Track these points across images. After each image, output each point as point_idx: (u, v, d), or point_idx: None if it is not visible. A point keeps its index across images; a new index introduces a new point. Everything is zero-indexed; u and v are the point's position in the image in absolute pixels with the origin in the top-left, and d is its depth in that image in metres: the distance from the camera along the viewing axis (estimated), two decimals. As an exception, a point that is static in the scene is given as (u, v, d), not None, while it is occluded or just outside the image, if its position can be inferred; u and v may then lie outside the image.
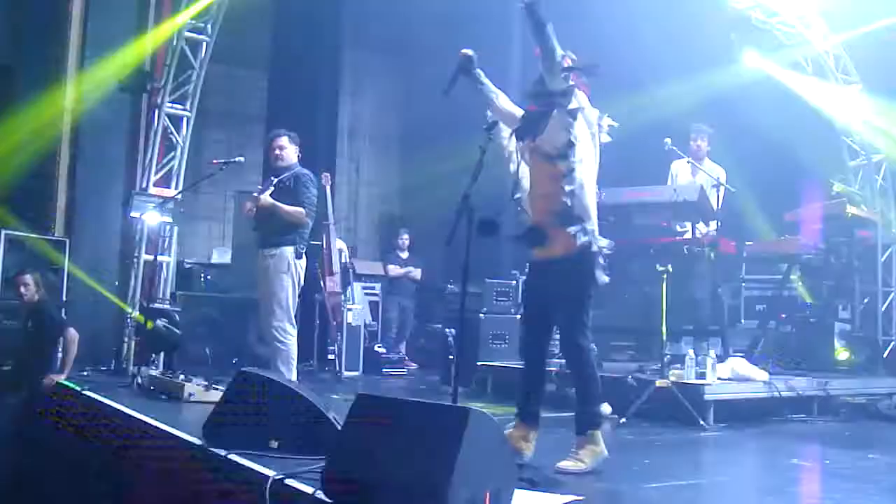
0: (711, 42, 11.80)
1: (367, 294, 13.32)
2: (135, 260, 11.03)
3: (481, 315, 10.21)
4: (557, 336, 5.73)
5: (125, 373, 10.03)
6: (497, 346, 10.17)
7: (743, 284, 11.64)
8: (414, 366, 13.10)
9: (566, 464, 5.37)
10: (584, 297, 5.49)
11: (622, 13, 11.77)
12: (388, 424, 4.11)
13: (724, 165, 9.52)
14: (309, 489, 4.26)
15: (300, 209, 8.08)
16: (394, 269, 13.73)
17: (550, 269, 5.51)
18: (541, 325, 5.68)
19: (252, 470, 4.83)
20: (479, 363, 9.70)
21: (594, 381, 5.51)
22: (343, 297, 11.62)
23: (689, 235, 9.04)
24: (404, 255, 13.88)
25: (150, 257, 10.87)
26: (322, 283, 11.30)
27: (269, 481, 4.49)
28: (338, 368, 11.29)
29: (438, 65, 6.45)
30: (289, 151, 8.33)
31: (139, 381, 8.75)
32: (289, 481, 4.44)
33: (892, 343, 11.40)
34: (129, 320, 10.76)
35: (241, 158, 9.27)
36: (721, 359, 8.20)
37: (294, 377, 8.05)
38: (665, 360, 7.86)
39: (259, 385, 5.58)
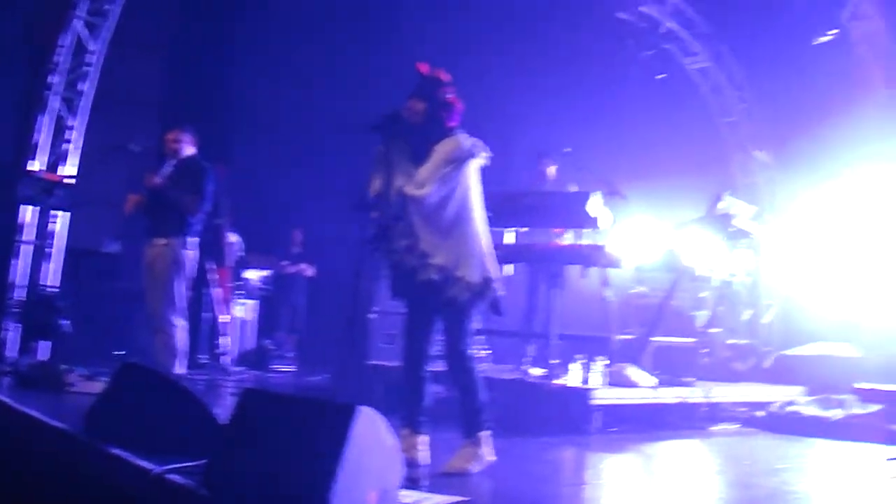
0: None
1: (258, 289, 13.18)
2: (20, 246, 10.70)
3: (373, 315, 10.16)
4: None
5: (4, 362, 9.73)
6: (389, 346, 10.13)
7: (633, 292, 11.78)
8: (303, 363, 13.00)
9: (453, 465, 5.40)
10: (468, 309, 5.51)
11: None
12: (273, 421, 4.06)
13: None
14: (190, 484, 4.18)
15: (194, 199, 7.95)
16: (286, 266, 13.60)
17: (428, 285, 5.49)
18: (423, 329, 5.68)
19: (132, 464, 4.72)
20: (369, 363, 9.65)
21: (479, 386, 5.55)
22: (234, 291, 11.46)
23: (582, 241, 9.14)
24: (297, 251, 13.77)
25: (37, 244, 10.57)
26: (213, 276, 11.14)
27: (150, 476, 4.40)
28: (226, 363, 11.14)
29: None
30: (185, 143, 8.19)
31: (19, 370, 8.50)
32: (170, 476, 4.35)
33: (775, 353, 11.70)
34: (10, 309, 10.44)
35: (136, 146, 9.09)
36: (610, 364, 8.28)
37: (181, 370, 7.92)
38: (553, 364, 7.94)
39: (142, 377, 5.47)
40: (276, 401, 4.32)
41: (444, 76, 5.61)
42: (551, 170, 10.14)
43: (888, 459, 6.31)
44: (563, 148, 8.95)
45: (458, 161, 5.46)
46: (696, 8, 12.44)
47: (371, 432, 4.00)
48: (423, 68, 5.61)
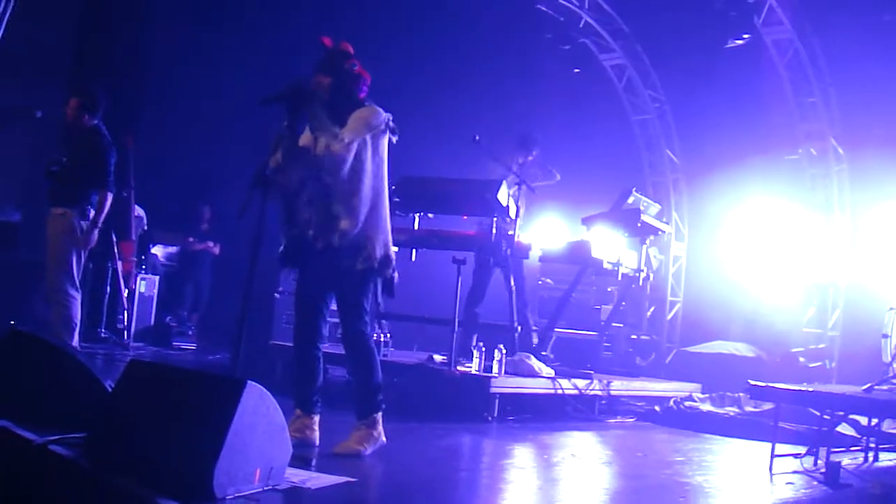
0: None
1: (162, 265, 12.97)
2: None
3: (277, 294, 10.07)
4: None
5: None
6: (291, 326, 10.03)
7: (539, 283, 11.87)
8: (205, 341, 12.82)
9: (345, 446, 5.37)
10: (365, 282, 5.47)
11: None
12: (159, 393, 3.98)
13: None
14: (71, 456, 4.08)
15: (97, 172, 7.75)
16: (192, 243, 13.41)
17: (328, 253, 5.45)
18: (316, 306, 5.62)
19: (16, 434, 4.59)
20: (271, 343, 9.56)
21: (375, 367, 5.52)
22: (137, 265, 11.26)
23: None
24: (204, 227, 13.57)
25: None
26: (116, 249, 10.91)
27: (31, 446, 4.28)
28: (126, 338, 10.93)
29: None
30: (85, 112, 7.95)
31: None
32: (52, 447, 4.24)
33: (675, 349, 11.89)
34: None
35: (39, 112, 8.85)
36: (510, 354, 8.32)
37: (75, 342, 7.74)
38: (455, 351, 7.95)
39: (29, 345, 5.32)
40: (163, 373, 4.24)
41: (349, 48, 5.53)
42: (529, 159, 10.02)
43: (773, 456, 6.43)
44: (474, 136, 8.91)
45: (376, 127, 5.39)
46: (613, 5, 12.53)
47: (259, 409, 3.95)
48: (328, 41, 5.53)
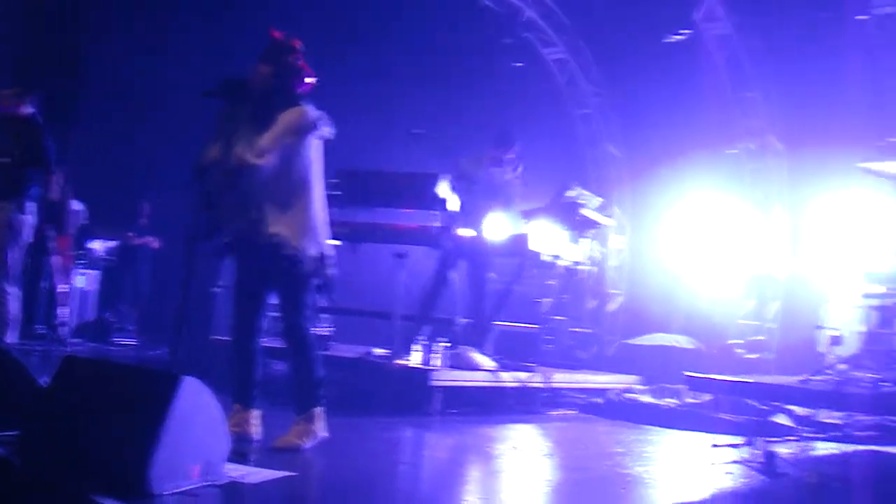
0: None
1: (102, 259, 12.80)
2: None
3: (217, 289, 9.96)
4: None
5: None
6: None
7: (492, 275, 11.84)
8: (145, 337, 12.69)
9: (285, 440, 5.34)
10: (303, 280, 5.45)
11: None
12: (94, 389, 3.93)
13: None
14: (4, 453, 4.01)
15: (38, 162, 7.64)
16: (132, 237, 13.26)
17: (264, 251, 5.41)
18: (255, 300, 5.59)
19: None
20: (211, 338, 9.47)
21: (315, 361, 5.49)
22: (75, 260, 11.11)
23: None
24: (144, 222, 13.43)
25: None
26: (53, 243, 10.75)
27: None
28: (64, 334, 10.78)
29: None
30: (22, 101, 7.83)
31: None
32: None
33: (617, 342, 11.97)
34: None
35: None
36: (452, 347, 8.32)
37: (12, 339, 7.63)
38: (397, 345, 7.94)
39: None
40: (98, 369, 4.20)
41: (296, 43, 5.52)
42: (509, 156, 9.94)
43: (713, 446, 6.50)
44: (414, 130, 8.90)
45: (302, 131, 5.37)
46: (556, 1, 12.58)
47: (196, 404, 3.92)
48: (276, 34, 5.51)
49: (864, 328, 7.76)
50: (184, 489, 3.84)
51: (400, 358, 8.05)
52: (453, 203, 8.83)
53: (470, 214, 9.09)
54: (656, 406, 9.01)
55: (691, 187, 12.15)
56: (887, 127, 10.19)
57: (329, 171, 5.70)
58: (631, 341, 11.53)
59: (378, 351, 8.47)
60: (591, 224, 10.20)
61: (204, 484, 3.98)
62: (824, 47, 10.27)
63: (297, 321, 5.44)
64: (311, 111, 5.43)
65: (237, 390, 5.51)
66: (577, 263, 10.21)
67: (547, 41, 12.94)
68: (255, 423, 5.49)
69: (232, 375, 5.58)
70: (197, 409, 3.91)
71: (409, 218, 9.29)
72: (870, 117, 10.14)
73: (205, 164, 5.20)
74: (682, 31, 11.15)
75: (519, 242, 9.24)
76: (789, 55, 10.93)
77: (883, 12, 10.20)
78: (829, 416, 7.78)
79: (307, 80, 5.50)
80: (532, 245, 9.24)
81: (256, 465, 4.67)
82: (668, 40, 10.98)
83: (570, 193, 9.95)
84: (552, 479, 5.81)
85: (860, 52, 10.11)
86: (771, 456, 6.13)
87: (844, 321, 8.42)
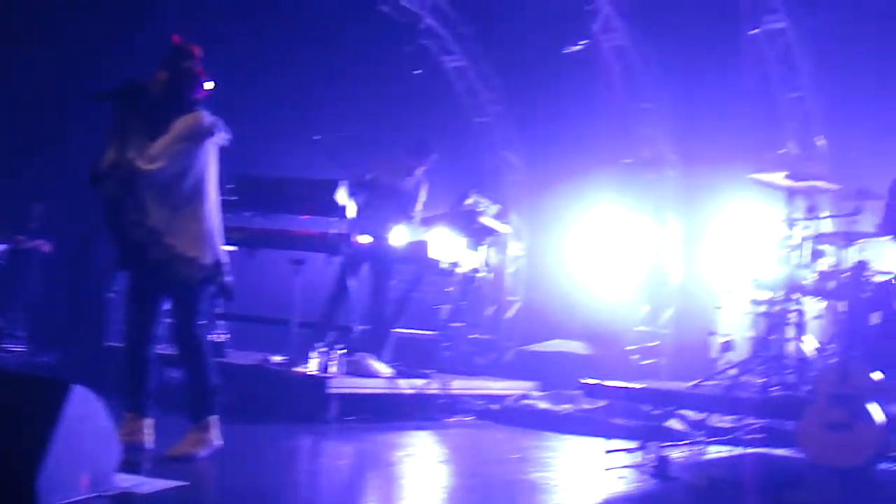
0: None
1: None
2: None
3: (111, 295, 9.77)
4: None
5: None
6: (125, 327, 9.75)
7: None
8: (35, 343, 12.37)
9: (179, 449, 5.26)
10: (197, 288, 5.38)
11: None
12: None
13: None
14: None
15: None
16: (22, 240, 12.91)
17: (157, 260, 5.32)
18: (148, 307, 5.50)
19: None
20: (105, 345, 9.29)
21: (209, 369, 5.43)
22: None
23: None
24: (36, 225, 13.09)
25: None
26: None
27: None
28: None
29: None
30: None
31: None
32: None
33: (514, 348, 12.05)
34: None
35: None
36: (350, 354, 8.29)
37: None
38: (294, 351, 7.89)
39: None
40: (-18, 376, 4.07)
41: (196, 50, 5.46)
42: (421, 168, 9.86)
43: (607, 451, 6.59)
44: (314, 136, 8.86)
45: (197, 137, 5.30)
46: (455, 7, 12.62)
47: (85, 412, 3.83)
48: (176, 39, 5.44)
49: (753, 334, 7.94)
50: (73, 501, 3.76)
51: (297, 365, 7.99)
52: (352, 209, 8.81)
53: (372, 221, 9.09)
54: (553, 412, 9.10)
55: (588, 195, 12.31)
56: (777, 139, 10.49)
57: (226, 176, 5.64)
58: (528, 348, 11.62)
59: (275, 358, 8.39)
60: (490, 231, 10.27)
61: (94, 495, 3.90)
62: (717, 60, 10.48)
63: (191, 328, 5.37)
64: (206, 117, 5.37)
65: (130, 398, 5.42)
66: (475, 270, 10.27)
67: (446, 48, 12.98)
68: (148, 431, 5.40)
69: (124, 383, 5.48)
70: (87, 418, 3.82)
71: (307, 224, 9.24)
72: (761, 129, 10.42)
73: (100, 170, 5.11)
74: (580, 42, 11.27)
75: (418, 249, 9.26)
76: (684, 68, 11.15)
77: (773, 27, 10.48)
78: (720, 421, 7.94)
79: (204, 86, 5.44)
80: (431, 252, 9.27)
81: (149, 476, 4.60)
82: (567, 51, 11.10)
83: (469, 201, 10.01)
84: (448, 485, 5.83)
85: (752, 66, 10.37)
86: (663, 460, 6.24)
87: (735, 327, 8.61)
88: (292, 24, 12.31)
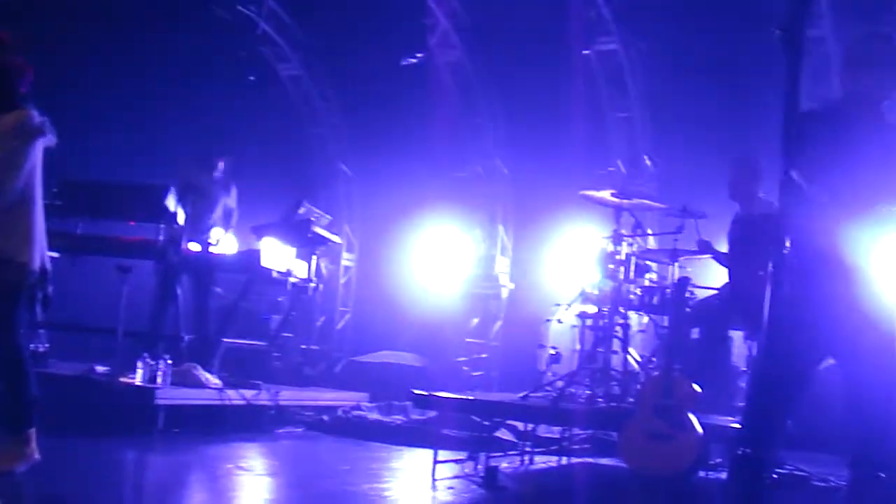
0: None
1: None
2: None
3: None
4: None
5: None
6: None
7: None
8: None
9: (-6, 464, 5.03)
10: (14, 295, 5.16)
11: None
12: None
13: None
14: None
15: None
16: None
17: None
18: None
19: None
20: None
21: (27, 380, 5.18)
22: None
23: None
24: None
25: None
26: None
27: None
28: None
29: None
30: None
31: None
32: None
33: (345, 359, 12.02)
34: None
35: None
36: (177, 364, 8.11)
37: None
38: (119, 361, 7.69)
39: None
40: None
41: (7, 38, 5.18)
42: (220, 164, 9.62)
43: (437, 462, 6.63)
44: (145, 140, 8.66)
45: (27, 136, 5.08)
46: (292, 14, 12.54)
47: None
48: None
49: (579, 347, 8.13)
50: None
51: (123, 375, 7.77)
52: (181, 216, 8.64)
53: (196, 228, 8.94)
54: (383, 423, 9.12)
55: (420, 208, 12.40)
56: (606, 157, 10.81)
57: (50, 180, 5.44)
58: (359, 359, 11.62)
59: (100, 368, 8.14)
60: (322, 241, 10.21)
61: None
62: (550, 79, 10.74)
63: (11, 337, 5.13)
64: (34, 116, 5.14)
65: None
66: (306, 280, 10.19)
67: (282, 56, 12.89)
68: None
69: None
70: None
71: (134, 231, 9.02)
72: (591, 147, 10.72)
73: None
74: (416, 55, 11.36)
75: (250, 258, 9.14)
76: (518, 84, 11.37)
77: (605, 48, 10.80)
78: (547, 431, 8.11)
79: (28, 77, 5.20)
80: (264, 261, 9.16)
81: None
82: (403, 63, 11.17)
83: (302, 210, 9.94)
84: (276, 498, 5.76)
85: (583, 86, 10.66)
86: (492, 470, 6.33)
87: (563, 340, 8.80)
88: (122, 24, 11.99)
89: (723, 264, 7.34)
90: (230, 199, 9.43)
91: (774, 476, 6.14)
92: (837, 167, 3.97)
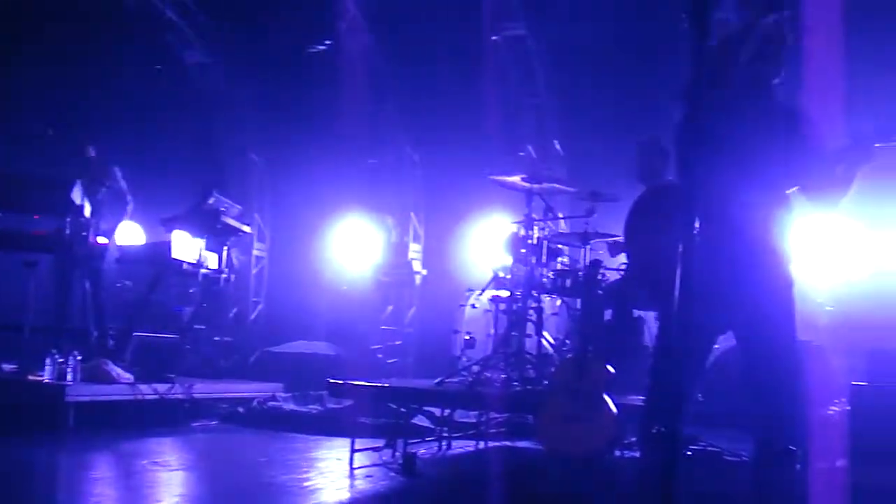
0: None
1: None
2: None
3: None
4: None
5: None
6: None
7: (118, 285, 11.43)
8: None
9: None
10: None
11: None
12: None
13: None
14: None
15: None
16: None
17: None
18: None
19: None
20: None
21: None
22: None
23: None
24: None
25: None
26: None
27: None
28: None
29: None
30: None
31: None
32: None
33: (259, 350, 11.93)
34: None
35: None
36: (87, 360, 7.98)
37: None
38: (27, 358, 7.55)
39: None
40: None
41: None
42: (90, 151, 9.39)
43: (354, 450, 6.62)
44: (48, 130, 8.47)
45: None
46: (198, 2, 12.33)
47: None
48: None
49: (493, 331, 8.17)
50: None
51: (31, 373, 7.63)
52: (87, 208, 8.49)
53: (100, 220, 8.80)
54: (300, 413, 9.08)
55: (332, 196, 12.35)
56: (516, 142, 10.87)
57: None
58: (273, 349, 11.53)
59: (7, 366, 7.98)
60: (232, 231, 10.12)
61: None
62: (460, 65, 10.76)
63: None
64: None
65: None
66: (217, 271, 10.09)
67: (187, 44, 12.68)
68: None
69: None
70: None
71: (39, 224, 8.82)
72: (501, 132, 10.77)
73: None
74: (325, 42, 11.30)
75: (160, 250, 9.02)
76: (428, 70, 11.36)
77: (513, 34, 10.84)
78: (464, 416, 8.14)
79: None
80: (174, 253, 9.05)
81: None
82: (312, 50, 11.10)
83: (211, 201, 9.83)
84: (189, 492, 5.69)
85: (493, 71, 10.70)
86: (410, 457, 6.35)
87: (477, 325, 8.83)
88: (22, 13, 11.70)
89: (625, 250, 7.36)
90: (116, 182, 9.21)
91: (688, 453, 6.27)
92: (733, 148, 3.99)
